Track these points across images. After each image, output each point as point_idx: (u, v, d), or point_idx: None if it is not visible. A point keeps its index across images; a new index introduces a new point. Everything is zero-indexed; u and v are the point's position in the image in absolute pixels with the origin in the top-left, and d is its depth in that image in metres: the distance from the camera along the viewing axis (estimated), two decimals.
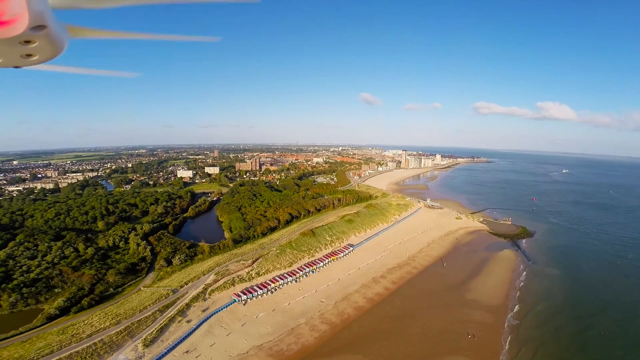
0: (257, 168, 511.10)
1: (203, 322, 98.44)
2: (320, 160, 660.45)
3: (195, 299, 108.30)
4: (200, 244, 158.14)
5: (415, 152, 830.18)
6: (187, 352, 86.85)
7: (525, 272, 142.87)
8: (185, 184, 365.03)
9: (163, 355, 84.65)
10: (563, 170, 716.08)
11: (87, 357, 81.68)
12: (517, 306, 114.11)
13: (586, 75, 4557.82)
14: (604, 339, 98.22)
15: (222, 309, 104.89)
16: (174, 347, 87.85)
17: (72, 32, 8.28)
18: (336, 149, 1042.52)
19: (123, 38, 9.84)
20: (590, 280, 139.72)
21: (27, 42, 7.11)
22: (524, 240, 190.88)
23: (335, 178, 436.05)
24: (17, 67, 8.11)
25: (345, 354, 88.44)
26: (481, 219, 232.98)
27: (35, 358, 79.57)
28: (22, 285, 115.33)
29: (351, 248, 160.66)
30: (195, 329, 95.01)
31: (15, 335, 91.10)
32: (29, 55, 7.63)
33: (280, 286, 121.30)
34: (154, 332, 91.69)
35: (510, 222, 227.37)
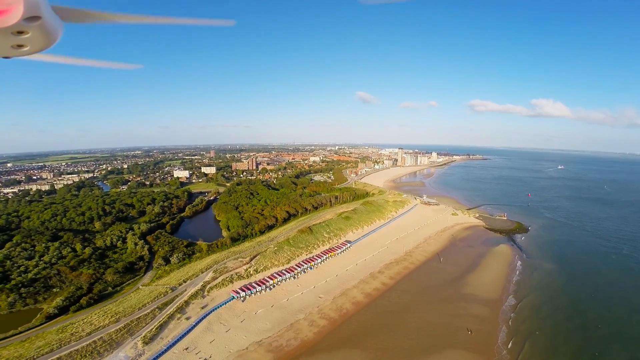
0: (254, 167, 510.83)
1: (202, 319, 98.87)
2: (317, 159, 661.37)
3: (194, 296, 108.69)
4: (198, 242, 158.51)
5: (411, 150, 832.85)
6: (186, 348, 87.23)
7: (520, 266, 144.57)
8: (182, 184, 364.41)
9: (163, 353, 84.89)
10: (559, 167, 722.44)
11: (87, 355, 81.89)
12: (513, 299, 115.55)
13: (580, 73, 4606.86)
14: (598, 330, 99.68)
15: (221, 306, 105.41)
16: (173, 344, 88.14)
17: (69, 15, 7.95)
18: (333, 148, 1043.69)
19: (126, 22, 9.36)
20: (586, 274, 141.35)
21: (20, 32, 7.00)
22: (519, 235, 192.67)
23: (332, 176, 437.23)
24: (6, 57, 8.01)
25: (344, 349, 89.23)
26: (477, 215, 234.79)
27: (34, 357, 79.63)
28: (20, 285, 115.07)
29: (349, 244, 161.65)
30: (194, 326, 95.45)
31: (15, 334, 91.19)
32: (20, 46, 7.56)
33: (279, 283, 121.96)
34: (154, 330, 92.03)
35: (505, 218, 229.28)
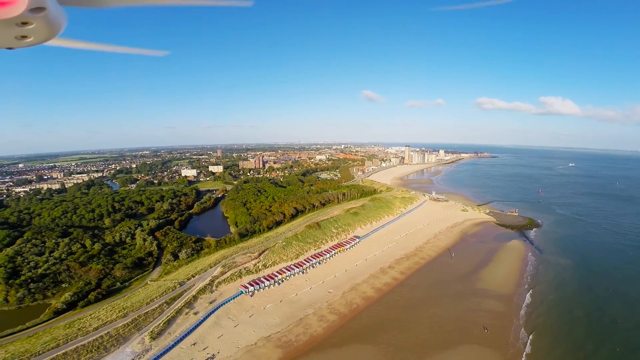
0: (261, 166, 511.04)
1: (210, 314, 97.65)
2: (323, 157, 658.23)
3: (202, 291, 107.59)
4: (206, 238, 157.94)
5: (418, 148, 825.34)
6: (194, 344, 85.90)
7: (534, 262, 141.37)
8: (190, 183, 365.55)
9: (170, 348, 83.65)
10: (570, 164, 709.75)
11: (94, 350, 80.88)
12: (527, 294, 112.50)
13: (589, 70, 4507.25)
14: (618, 326, 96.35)
15: (229, 301, 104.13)
16: (181, 339, 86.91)
17: None
18: (339, 147, 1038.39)
19: (126, 4, 9.04)
20: (602, 269, 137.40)
21: (24, 23, 6.98)
22: (531, 231, 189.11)
23: (338, 174, 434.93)
24: (10, 48, 7.93)
25: (355, 344, 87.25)
26: (487, 211, 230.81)
27: (40, 352, 78.74)
28: (29, 280, 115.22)
29: (357, 240, 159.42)
30: (202, 321, 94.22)
31: (22, 330, 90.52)
32: (23, 37, 7.51)
33: (287, 277, 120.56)
34: (161, 325, 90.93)
35: (516, 214, 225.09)
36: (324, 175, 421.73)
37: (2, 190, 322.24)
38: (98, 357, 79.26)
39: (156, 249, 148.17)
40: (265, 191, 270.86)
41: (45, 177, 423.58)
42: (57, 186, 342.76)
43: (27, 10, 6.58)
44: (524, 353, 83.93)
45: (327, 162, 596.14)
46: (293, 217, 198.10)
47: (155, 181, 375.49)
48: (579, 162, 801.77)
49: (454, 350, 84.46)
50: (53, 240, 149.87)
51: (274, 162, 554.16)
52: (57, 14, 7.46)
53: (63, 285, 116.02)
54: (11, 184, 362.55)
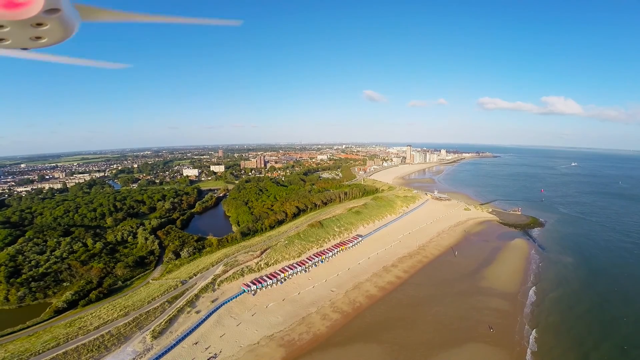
0: (262, 166, 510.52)
1: (212, 312, 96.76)
2: (324, 157, 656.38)
3: (204, 289, 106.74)
4: (208, 237, 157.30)
5: (420, 148, 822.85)
6: (196, 343, 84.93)
7: (538, 260, 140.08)
8: (192, 182, 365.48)
9: (172, 347, 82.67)
10: (572, 164, 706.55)
11: (94, 349, 80.00)
12: (532, 292, 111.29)
13: (592, 70, 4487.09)
14: (624, 323, 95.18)
15: (231, 299, 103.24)
16: (183, 338, 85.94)
17: (84, 13, 8.13)
18: (340, 147, 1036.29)
19: (137, 21, 9.35)
20: (606, 268, 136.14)
21: (39, 24, 7.10)
22: (535, 230, 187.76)
23: (340, 174, 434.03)
24: (25, 49, 8.13)
25: (359, 343, 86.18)
26: (490, 210, 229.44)
27: (41, 351, 77.95)
28: (30, 279, 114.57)
29: (360, 238, 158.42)
30: (204, 320, 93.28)
31: (23, 329, 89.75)
32: (38, 38, 7.66)
33: (290, 276, 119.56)
34: (163, 324, 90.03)
35: (520, 213, 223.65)
36: (325, 175, 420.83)
37: (4, 189, 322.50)
38: (99, 356, 78.39)
39: (158, 247, 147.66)
40: (267, 190, 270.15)
41: (47, 177, 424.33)
42: (59, 186, 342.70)
43: (42, 12, 6.59)
44: (530, 351, 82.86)
45: (328, 161, 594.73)
46: (295, 216, 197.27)
47: (157, 181, 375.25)
48: (582, 161, 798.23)
49: (459, 349, 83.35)
50: (54, 239, 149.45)
51: (276, 162, 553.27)
52: (72, 15, 7.56)
53: (64, 284, 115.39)
54: (13, 183, 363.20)
